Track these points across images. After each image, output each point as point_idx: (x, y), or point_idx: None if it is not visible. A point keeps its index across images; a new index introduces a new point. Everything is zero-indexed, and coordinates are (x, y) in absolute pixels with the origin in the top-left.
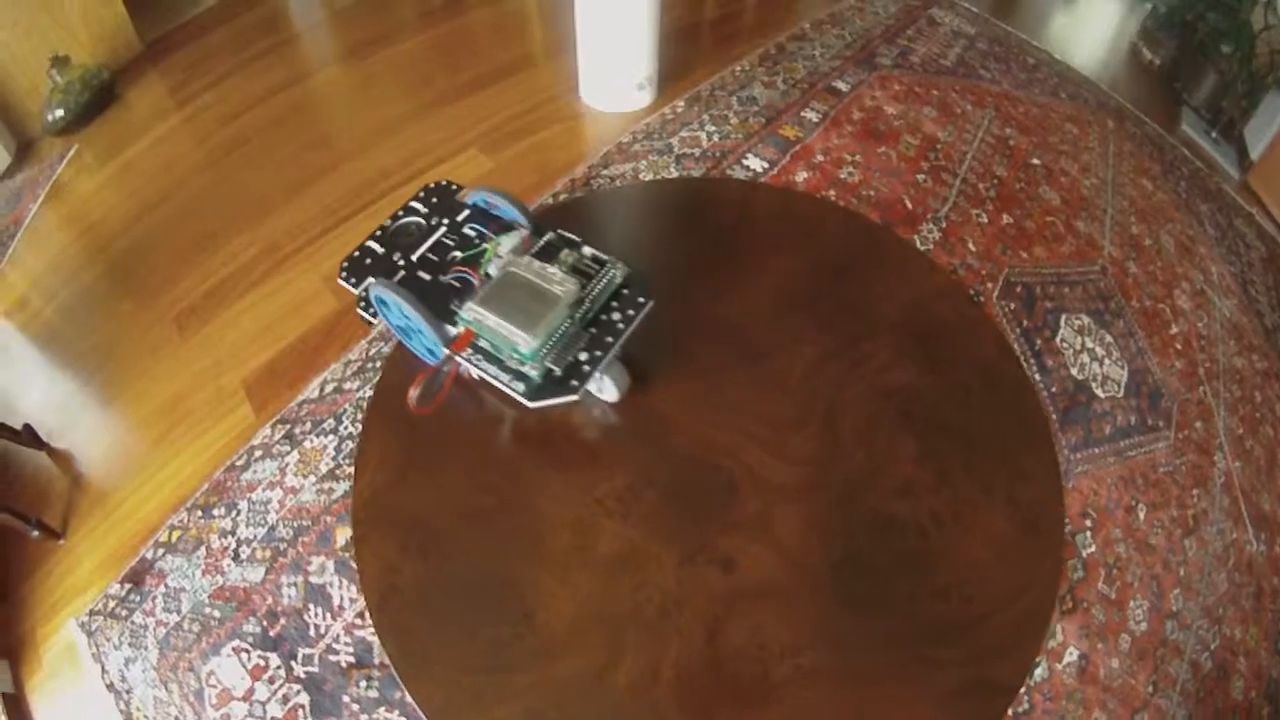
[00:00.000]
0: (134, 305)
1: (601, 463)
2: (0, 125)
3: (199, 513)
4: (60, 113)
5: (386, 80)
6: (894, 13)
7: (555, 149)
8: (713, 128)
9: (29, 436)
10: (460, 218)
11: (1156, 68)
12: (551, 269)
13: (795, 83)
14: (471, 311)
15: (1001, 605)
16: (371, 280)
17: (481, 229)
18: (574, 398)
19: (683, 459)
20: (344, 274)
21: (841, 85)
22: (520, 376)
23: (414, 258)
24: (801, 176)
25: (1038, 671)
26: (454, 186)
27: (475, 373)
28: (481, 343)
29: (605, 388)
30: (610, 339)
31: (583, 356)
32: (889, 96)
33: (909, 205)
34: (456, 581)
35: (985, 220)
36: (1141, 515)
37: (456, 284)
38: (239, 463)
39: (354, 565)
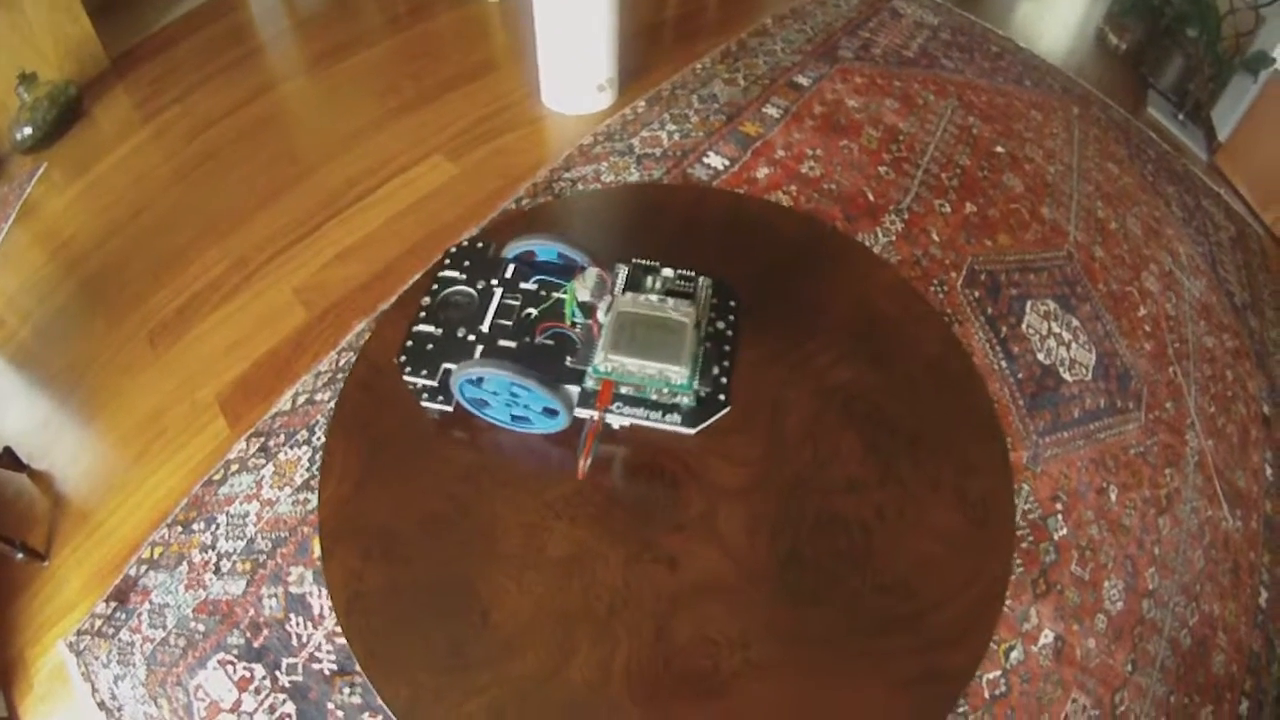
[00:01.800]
0: (107, 323)
1: (551, 468)
2: None
3: (179, 528)
4: (29, 130)
5: (351, 88)
6: (856, 5)
7: (518, 153)
8: (673, 127)
9: (9, 459)
10: (509, 274)
11: (1123, 52)
12: (656, 298)
13: (756, 79)
14: (608, 362)
15: (950, 596)
16: (449, 366)
17: (546, 279)
18: (727, 409)
19: (627, 462)
20: (408, 370)
21: (803, 80)
22: (671, 409)
23: (484, 329)
24: (763, 173)
25: (1014, 655)
26: (482, 244)
27: (618, 423)
28: (622, 389)
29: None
30: (727, 346)
31: (715, 370)
32: (850, 89)
33: (871, 198)
34: (417, 585)
35: (948, 210)
36: (1113, 497)
37: (550, 342)
38: (216, 477)
39: None
